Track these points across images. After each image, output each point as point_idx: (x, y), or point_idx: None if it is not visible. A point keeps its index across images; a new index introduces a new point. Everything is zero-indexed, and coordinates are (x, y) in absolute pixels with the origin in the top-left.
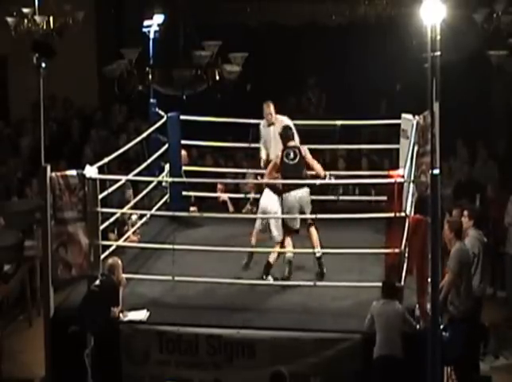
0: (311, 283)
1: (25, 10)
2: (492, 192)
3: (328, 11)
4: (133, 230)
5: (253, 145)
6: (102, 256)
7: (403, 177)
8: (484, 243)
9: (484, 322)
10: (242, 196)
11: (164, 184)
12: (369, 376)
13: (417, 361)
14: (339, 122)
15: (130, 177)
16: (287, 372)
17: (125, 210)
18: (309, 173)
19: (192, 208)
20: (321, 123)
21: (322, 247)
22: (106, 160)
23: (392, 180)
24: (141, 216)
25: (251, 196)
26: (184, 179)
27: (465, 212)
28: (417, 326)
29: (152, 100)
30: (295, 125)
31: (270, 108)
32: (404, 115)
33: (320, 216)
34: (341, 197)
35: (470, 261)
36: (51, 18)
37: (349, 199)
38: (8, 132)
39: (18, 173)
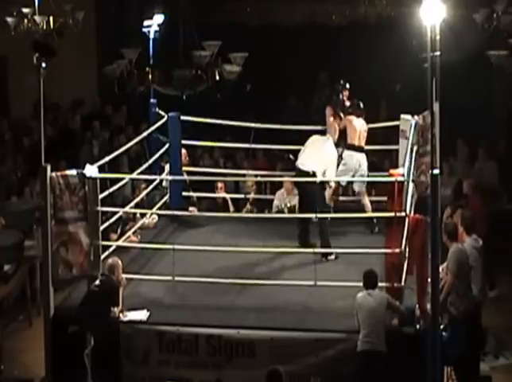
0: (311, 283)
1: (25, 10)
2: (468, 189)
3: (328, 11)
4: (133, 230)
5: (253, 146)
6: (103, 256)
7: (403, 175)
8: (479, 249)
9: (482, 322)
10: (242, 196)
11: (164, 184)
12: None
13: (417, 361)
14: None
15: (131, 176)
16: (287, 372)
17: (126, 209)
18: None
19: (191, 208)
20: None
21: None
22: (106, 159)
23: (392, 178)
24: (142, 216)
25: (251, 196)
26: (185, 177)
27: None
28: (403, 312)
29: (152, 100)
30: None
31: None
32: (402, 116)
33: (320, 215)
34: (341, 198)
35: (468, 261)
36: (51, 18)
37: (349, 199)
38: (8, 132)
39: (18, 173)
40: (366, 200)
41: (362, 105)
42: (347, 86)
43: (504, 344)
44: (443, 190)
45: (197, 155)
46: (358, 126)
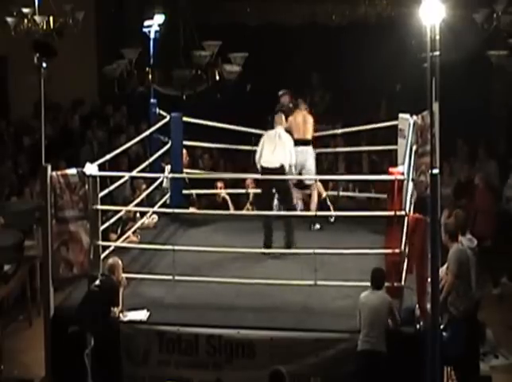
0: (311, 283)
1: (25, 10)
2: (480, 182)
3: (328, 11)
4: (132, 230)
5: (255, 148)
6: (103, 255)
7: (403, 174)
8: (474, 249)
9: (481, 321)
10: (241, 191)
11: (164, 184)
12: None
13: (417, 361)
14: (339, 131)
15: (132, 174)
16: (287, 372)
17: (126, 208)
18: None
19: (191, 208)
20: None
21: (322, 248)
22: (107, 157)
23: (392, 177)
24: (142, 215)
25: (251, 190)
26: (185, 175)
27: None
28: (399, 320)
29: (152, 100)
30: None
31: None
32: (401, 115)
33: (320, 213)
34: (341, 193)
35: (468, 261)
36: (51, 18)
37: (349, 195)
38: (8, 132)
39: (20, 171)
40: (315, 195)
41: (302, 102)
42: (286, 91)
43: (504, 344)
44: (443, 190)
45: (197, 155)
46: (299, 120)
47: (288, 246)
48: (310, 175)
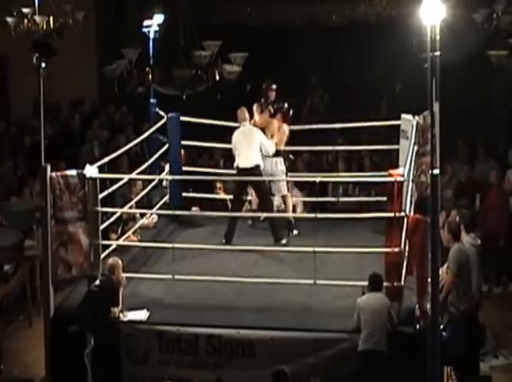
0: (311, 282)
1: (25, 10)
2: (495, 179)
3: (328, 11)
4: (132, 230)
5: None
6: (103, 256)
7: (403, 176)
8: (478, 247)
9: (481, 321)
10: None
11: (164, 184)
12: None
13: (417, 361)
14: (338, 126)
15: (131, 176)
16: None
17: (125, 210)
18: None
19: (194, 208)
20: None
21: (323, 247)
22: (106, 159)
23: (392, 179)
24: (142, 215)
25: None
26: (185, 177)
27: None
28: (396, 321)
29: (152, 100)
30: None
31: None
32: (403, 116)
33: (320, 215)
34: (341, 199)
35: (468, 261)
36: (51, 18)
37: (349, 200)
38: (8, 132)
39: (19, 173)
40: (289, 205)
41: (284, 106)
42: (274, 86)
43: (504, 344)
44: (444, 190)
45: (196, 155)
46: (273, 129)
47: (278, 240)
48: (277, 186)
